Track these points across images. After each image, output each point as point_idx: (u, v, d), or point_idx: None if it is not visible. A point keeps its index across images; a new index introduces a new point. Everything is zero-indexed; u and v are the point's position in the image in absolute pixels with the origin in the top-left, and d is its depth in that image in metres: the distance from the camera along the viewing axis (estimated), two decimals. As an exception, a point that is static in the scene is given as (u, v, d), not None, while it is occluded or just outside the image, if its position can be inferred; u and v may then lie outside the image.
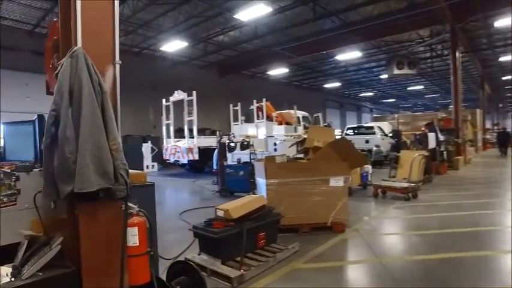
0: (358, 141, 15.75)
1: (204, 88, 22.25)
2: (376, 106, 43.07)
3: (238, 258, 3.74)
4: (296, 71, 25.58)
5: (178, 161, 14.59)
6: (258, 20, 14.11)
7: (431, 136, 11.30)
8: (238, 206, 3.93)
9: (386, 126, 18.30)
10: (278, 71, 22.12)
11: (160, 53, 19.09)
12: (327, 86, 29.24)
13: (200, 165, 14.60)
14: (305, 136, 5.97)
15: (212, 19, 14.65)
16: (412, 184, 7.74)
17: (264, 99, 15.37)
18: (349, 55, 17.76)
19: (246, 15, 12.87)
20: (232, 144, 9.95)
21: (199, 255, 3.93)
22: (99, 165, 1.81)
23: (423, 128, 13.03)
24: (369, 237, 4.81)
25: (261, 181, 5.26)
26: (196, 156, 13.41)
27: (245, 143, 9.62)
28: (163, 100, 15.14)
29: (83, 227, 1.94)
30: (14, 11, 13.76)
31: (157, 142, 17.09)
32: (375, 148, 14.16)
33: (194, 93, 13.55)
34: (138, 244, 2.14)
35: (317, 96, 32.28)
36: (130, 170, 3.18)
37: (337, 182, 5.10)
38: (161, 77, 19.36)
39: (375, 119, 25.93)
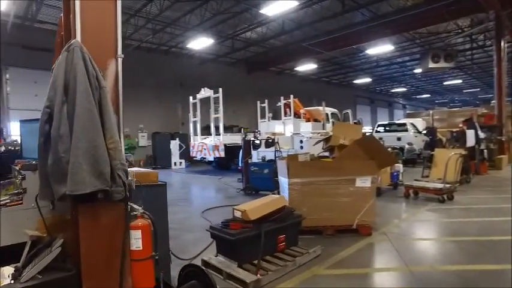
0: (390, 139, 15.10)
1: (231, 85, 22.30)
2: (409, 102, 41.26)
3: (256, 261, 3.59)
4: (325, 66, 24.97)
5: (204, 158, 14.67)
6: (285, 15, 13.82)
7: (469, 133, 10.54)
8: (257, 206, 3.77)
9: (420, 123, 17.41)
10: (306, 67, 21.64)
11: (188, 51, 19.26)
12: (357, 81, 28.32)
13: (226, 162, 14.59)
14: (331, 133, 5.69)
15: (239, 15, 14.52)
16: (448, 185, 7.21)
17: (291, 96, 15.13)
18: (381, 49, 16.97)
19: (272, 10, 12.62)
20: (257, 142, 9.79)
21: (216, 256, 3.82)
22: (94, 166, 1.70)
23: (461, 125, 12.20)
24: (397, 242, 4.47)
25: (283, 180, 5.07)
26: (222, 154, 13.41)
27: (270, 140, 9.43)
28: (191, 97, 15.28)
29: (83, 229, 1.85)
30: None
31: (185, 139, 17.36)
32: (407, 146, 13.46)
33: (220, 90, 13.54)
34: (141, 248, 2.04)
35: (347, 92, 31.38)
36: (140, 169, 3.12)
37: (364, 182, 4.81)
38: (189, 75, 19.57)
39: (408, 116, 24.81)
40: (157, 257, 2.10)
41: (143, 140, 18.85)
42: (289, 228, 3.98)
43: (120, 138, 1.92)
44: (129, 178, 2.03)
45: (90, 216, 1.88)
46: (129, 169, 3.14)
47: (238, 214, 3.68)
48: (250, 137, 9.57)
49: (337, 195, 4.80)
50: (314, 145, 6.40)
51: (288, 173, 4.84)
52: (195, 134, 15.22)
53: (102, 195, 1.79)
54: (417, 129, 15.73)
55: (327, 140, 5.59)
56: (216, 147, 13.63)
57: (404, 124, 15.26)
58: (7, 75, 14.77)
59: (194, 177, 13.46)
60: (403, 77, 28.75)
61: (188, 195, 8.84)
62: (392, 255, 4.04)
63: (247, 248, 3.55)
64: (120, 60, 1.99)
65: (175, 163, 16.96)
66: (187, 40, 15.42)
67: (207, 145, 14.10)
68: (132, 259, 2.02)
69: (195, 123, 15.20)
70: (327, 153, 5.79)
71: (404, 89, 34.15)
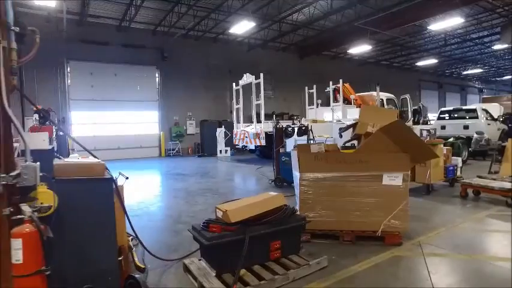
0: (455, 127, 13.19)
1: (282, 71, 21.54)
2: (487, 86, 36.16)
3: (243, 271, 3.01)
4: (384, 48, 22.82)
5: (246, 146, 14.29)
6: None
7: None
8: (243, 206, 3.15)
9: (497, 109, 14.89)
10: (361, 50, 19.82)
11: (236, 37, 18.88)
12: (421, 64, 25.32)
13: (268, 151, 14.02)
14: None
15: (282, -4, 13.66)
16: (520, 184, 5.78)
17: (340, 80, 13.94)
18: (448, 23, 14.48)
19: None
20: (290, 130, 9.03)
21: (200, 260, 3.32)
22: None
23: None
24: (434, 260, 3.52)
25: (295, 175, 4.36)
26: (263, 142, 12.87)
27: (303, 127, 8.61)
28: (234, 84, 14.93)
29: None
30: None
31: (232, 127, 17.17)
32: (475, 135, 11.48)
33: (261, 75, 12.93)
34: (21, 261, 1.59)
35: (410, 76, 28.48)
36: (84, 161, 2.71)
37: (393, 179, 3.89)
38: (238, 61, 19.22)
39: (484, 101, 21.61)
40: (48, 273, 1.64)
41: (191, 128, 19.12)
42: (286, 233, 3.31)
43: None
44: (16, 172, 1.58)
45: None
46: (71, 159, 2.76)
47: (220, 214, 3.12)
48: (285, 124, 8.84)
49: (358, 195, 3.97)
50: (340, 132, 5.52)
51: (298, 166, 4.13)
52: (238, 121, 14.88)
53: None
54: (491, 116, 13.43)
55: (354, 127, 4.70)
56: (257, 136, 13.13)
57: (474, 110, 13.08)
58: (68, 69, 15.86)
59: (233, 166, 13.17)
60: (479, 56, 25.06)
61: (217, 185, 8.50)
62: (420, 278, 3.13)
63: (228, 254, 2.98)
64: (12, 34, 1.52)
65: (220, 151, 16.89)
66: (231, 25, 14.97)
67: (249, 133, 13.67)
68: (13, 275, 1.59)
69: (237, 110, 14.84)
70: (355, 143, 4.92)
71: (481, 70, 29.80)
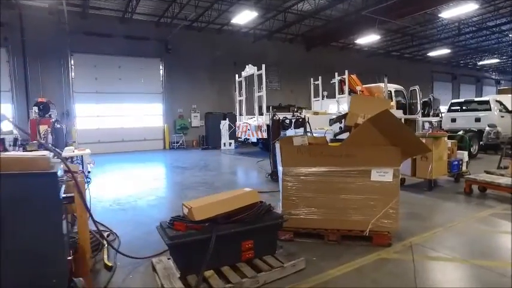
0: (466, 120, 12.63)
1: (289, 63, 21.12)
2: (505, 77, 34.82)
3: (211, 272, 2.79)
4: (394, 39, 22.09)
5: (248, 139, 14.03)
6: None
7: None
8: (211, 203, 2.92)
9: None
10: (371, 40, 19.14)
11: (240, 28, 18.54)
12: (433, 54, 24.33)
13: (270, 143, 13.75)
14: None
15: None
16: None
17: (346, 71, 13.52)
18: (460, 10, 13.67)
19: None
20: (287, 122, 8.73)
21: (168, 259, 3.11)
22: None
23: None
24: (425, 263, 3.22)
25: (279, 169, 4.09)
26: (265, 135, 12.58)
27: (300, 119, 8.30)
28: (236, 76, 14.64)
29: None
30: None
31: (236, 120, 16.94)
32: (487, 128, 10.92)
33: (263, 66, 12.59)
34: None
35: (422, 67, 27.56)
36: (24, 154, 2.50)
37: (382, 175, 3.59)
38: (243, 53, 18.84)
39: (500, 92, 20.70)
40: None
41: (196, 120, 18.95)
42: (260, 232, 3.06)
43: None
44: None
45: None
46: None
47: (186, 211, 2.89)
48: (281, 116, 8.55)
49: (344, 191, 3.68)
50: (331, 125, 5.20)
51: (281, 161, 3.86)
52: (241, 114, 14.62)
53: None
54: (506, 107, 12.78)
55: (345, 118, 4.39)
56: (259, 128, 12.86)
57: (487, 102, 12.45)
58: (72, 61, 15.83)
59: (235, 159, 12.96)
60: (496, 45, 24.00)
61: (213, 179, 8.30)
62: (407, 283, 2.85)
63: (194, 255, 2.76)
64: None
65: (224, 144, 16.69)
66: (234, 15, 14.63)
67: (251, 126, 13.40)
68: None
69: (240, 102, 14.58)
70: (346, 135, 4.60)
71: (498, 61, 28.59)
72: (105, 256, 3.40)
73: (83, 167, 9.26)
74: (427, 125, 6.53)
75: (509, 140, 7.57)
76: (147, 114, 17.76)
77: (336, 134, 4.63)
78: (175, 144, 17.95)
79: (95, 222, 3.03)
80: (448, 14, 13.59)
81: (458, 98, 21.78)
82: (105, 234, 4.05)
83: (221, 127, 16.83)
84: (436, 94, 28.90)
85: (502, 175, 6.30)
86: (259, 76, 12.91)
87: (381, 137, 3.49)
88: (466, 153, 6.98)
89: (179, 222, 2.81)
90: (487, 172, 6.74)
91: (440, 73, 29.49)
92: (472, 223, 4.44)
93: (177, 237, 2.69)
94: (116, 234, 4.21)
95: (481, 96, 29.00)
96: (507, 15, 17.38)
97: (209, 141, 18.09)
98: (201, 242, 2.73)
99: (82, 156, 8.44)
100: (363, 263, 3.20)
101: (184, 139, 18.25)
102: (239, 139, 15.07)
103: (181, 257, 2.79)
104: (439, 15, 14.78)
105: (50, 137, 8.89)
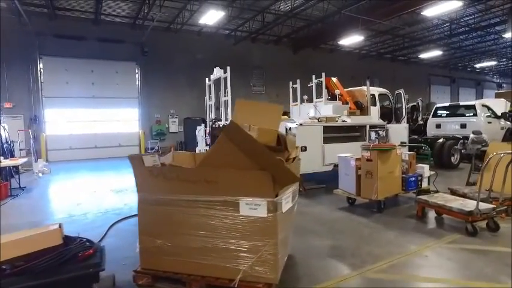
0: (451, 126, 11.63)
1: (275, 66, 20.23)
2: (506, 80, 33.44)
3: None
4: (385, 40, 21.12)
5: (215, 146, 13.16)
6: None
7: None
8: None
9: (502, 105, 13.11)
10: (356, 42, 18.14)
11: (218, 29, 17.77)
12: (427, 56, 23.00)
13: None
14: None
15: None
16: (488, 205, 4.40)
17: (323, 74, 12.60)
18: (444, 7, 12.59)
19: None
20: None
21: None
22: None
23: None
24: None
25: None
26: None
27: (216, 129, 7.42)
28: (206, 79, 13.82)
29: None
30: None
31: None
32: (471, 136, 9.88)
33: (228, 69, 11.74)
34: None
35: (418, 70, 26.44)
36: None
37: (253, 208, 2.70)
38: (225, 56, 18.03)
39: (497, 96, 19.55)
40: None
41: (174, 126, 18.20)
42: (57, 286, 2.19)
43: None
44: None
45: None
46: None
47: None
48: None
49: (209, 228, 2.80)
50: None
51: (136, 185, 3.00)
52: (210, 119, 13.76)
53: None
54: (494, 113, 11.72)
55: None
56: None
57: (473, 106, 11.40)
58: (41, 65, 15.22)
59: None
60: (493, 46, 22.82)
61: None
62: None
63: None
64: None
65: (200, 150, 15.84)
66: (201, 16, 13.84)
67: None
68: None
69: (210, 107, 13.73)
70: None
71: (496, 63, 27.29)
72: None
73: (18, 178, 8.52)
74: (373, 135, 5.55)
75: (477, 152, 6.54)
76: (122, 119, 17.07)
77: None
78: (150, 151, 17.17)
79: None
80: (431, 12, 12.60)
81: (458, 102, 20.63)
82: None
83: (197, 133, 16.01)
84: (433, 98, 27.82)
85: (464, 194, 5.34)
86: (226, 79, 12.06)
87: (245, 158, 2.60)
88: (427, 166, 6.00)
89: None
90: (450, 190, 5.78)
91: (437, 76, 28.34)
92: (408, 262, 3.50)
93: None
94: None
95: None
96: (500, 15, 16.31)
97: (188, 147, 17.29)
98: None
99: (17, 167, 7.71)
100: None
101: (161, 145, 17.47)
102: (207, 145, 14.24)
103: None
104: (422, 13, 13.78)
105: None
